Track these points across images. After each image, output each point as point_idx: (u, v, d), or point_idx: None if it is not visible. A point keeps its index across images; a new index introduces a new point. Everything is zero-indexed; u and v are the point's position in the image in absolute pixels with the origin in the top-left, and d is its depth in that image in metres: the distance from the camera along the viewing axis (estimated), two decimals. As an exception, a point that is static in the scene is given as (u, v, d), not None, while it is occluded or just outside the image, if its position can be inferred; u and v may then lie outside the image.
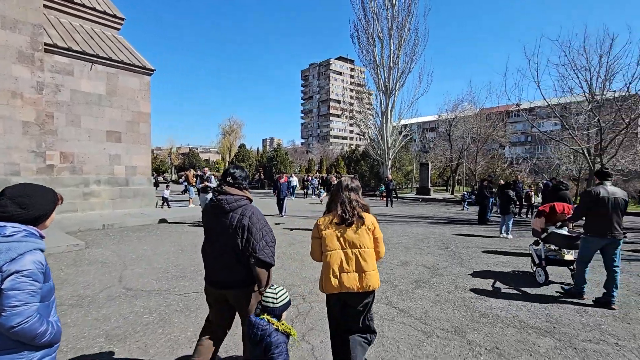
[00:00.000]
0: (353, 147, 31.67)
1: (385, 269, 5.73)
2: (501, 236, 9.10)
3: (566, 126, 17.55)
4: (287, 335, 2.00)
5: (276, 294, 2.03)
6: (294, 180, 17.71)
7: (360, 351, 2.40)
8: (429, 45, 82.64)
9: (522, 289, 4.98)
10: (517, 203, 9.20)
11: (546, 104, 17.29)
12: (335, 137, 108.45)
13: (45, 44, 10.37)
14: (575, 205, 5.11)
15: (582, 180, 20.20)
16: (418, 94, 24.65)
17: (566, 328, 3.69)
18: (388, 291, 4.76)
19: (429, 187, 24.97)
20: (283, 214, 12.87)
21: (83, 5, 12.45)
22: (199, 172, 14.00)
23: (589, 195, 4.47)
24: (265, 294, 2.05)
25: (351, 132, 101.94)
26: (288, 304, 2.08)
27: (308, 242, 2.89)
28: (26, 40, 9.90)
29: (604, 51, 16.57)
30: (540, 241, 5.53)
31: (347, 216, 2.39)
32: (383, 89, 24.07)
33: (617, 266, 4.33)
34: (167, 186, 15.05)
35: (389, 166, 24.48)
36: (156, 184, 14.96)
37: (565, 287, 4.94)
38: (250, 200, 2.43)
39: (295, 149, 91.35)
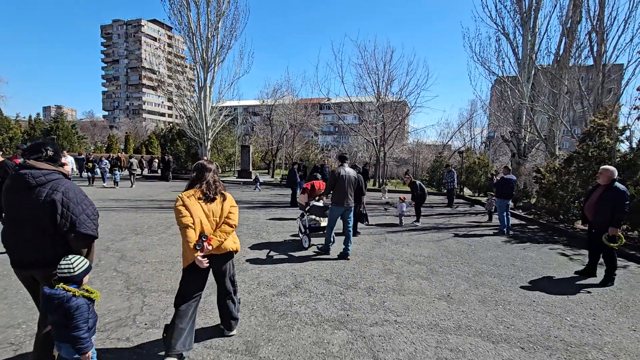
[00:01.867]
0: (171, 125, 27.62)
1: (178, 270, 4.57)
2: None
3: (362, 119, 20.83)
4: (90, 299, 2.09)
5: (72, 263, 2.07)
6: (69, 162, 13.05)
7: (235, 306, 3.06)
8: (250, 27, 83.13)
9: (290, 253, 5.95)
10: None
11: (348, 99, 19.95)
12: (150, 112, 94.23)
13: None
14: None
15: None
16: (239, 74, 23.58)
17: (357, 313, 3.67)
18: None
19: (251, 170, 24.83)
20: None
21: None
22: None
23: (332, 174, 5.66)
24: (59, 266, 2.06)
25: (170, 108, 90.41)
26: (88, 269, 2.14)
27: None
28: None
29: (386, 60, 20.43)
30: (305, 213, 6.51)
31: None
32: (200, 62, 21.71)
33: (351, 227, 5.74)
34: None
35: (209, 147, 22.64)
36: None
37: (319, 247, 6.15)
38: (64, 175, 2.29)
39: (94, 123, 73.72)
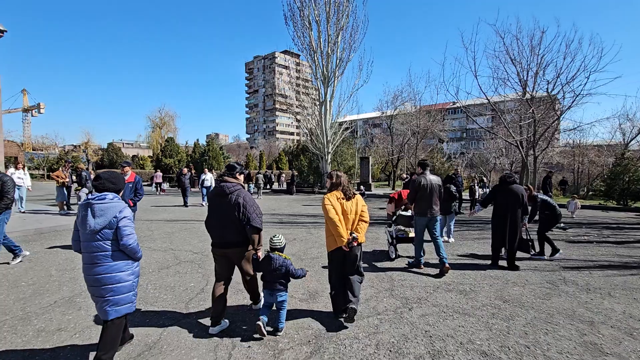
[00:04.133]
0: (297, 142, 29.58)
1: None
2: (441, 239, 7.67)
3: (502, 118, 17.25)
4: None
5: (280, 239, 3.39)
6: (208, 179, 14.37)
7: (359, 285, 3.60)
8: (369, 35, 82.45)
9: (374, 263, 5.80)
10: (459, 199, 7.77)
11: (482, 96, 16.85)
12: (282, 132, 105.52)
13: None
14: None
15: (512, 172, 20.54)
16: (358, 85, 23.25)
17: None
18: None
19: (370, 182, 23.87)
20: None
21: None
22: (82, 168, 10.79)
23: (413, 183, 5.40)
24: (272, 241, 3.36)
25: (297, 127, 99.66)
26: (285, 244, 3.46)
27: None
28: None
29: (535, 43, 16.47)
30: (392, 223, 6.27)
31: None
32: (321, 77, 22.25)
33: (439, 236, 5.31)
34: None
35: (329, 161, 22.83)
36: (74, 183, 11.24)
37: (409, 262, 5.71)
38: (243, 187, 3.41)
39: (239, 145, 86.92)
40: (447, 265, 5.05)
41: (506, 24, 25.97)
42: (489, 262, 5.83)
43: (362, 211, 3.53)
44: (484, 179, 20.72)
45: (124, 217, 2.60)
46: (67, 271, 5.18)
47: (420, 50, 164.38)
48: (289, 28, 21.98)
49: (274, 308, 3.37)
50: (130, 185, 6.23)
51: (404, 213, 6.19)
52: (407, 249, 6.68)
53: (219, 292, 3.27)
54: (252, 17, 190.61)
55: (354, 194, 3.56)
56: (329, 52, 21.75)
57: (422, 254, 5.45)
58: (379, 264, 5.72)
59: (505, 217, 5.44)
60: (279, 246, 3.34)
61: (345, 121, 26.02)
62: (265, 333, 3.12)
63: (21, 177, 11.12)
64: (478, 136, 67.71)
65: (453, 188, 7.45)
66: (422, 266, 5.42)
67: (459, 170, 14.99)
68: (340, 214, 3.41)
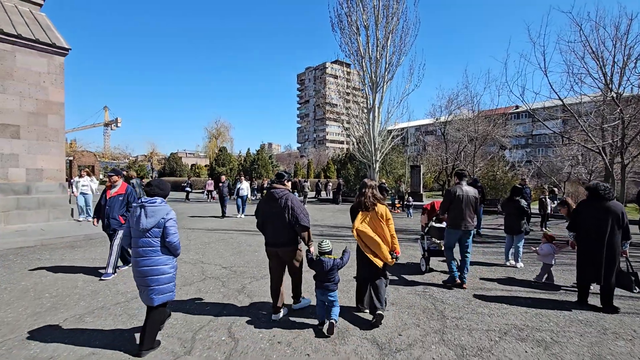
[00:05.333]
0: (346, 150, 28.99)
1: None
2: (507, 264, 6.41)
3: (579, 121, 14.87)
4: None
5: (327, 244, 3.72)
6: (244, 188, 13.76)
7: (384, 289, 3.88)
8: (421, 36, 78.36)
9: (403, 276, 5.63)
10: (529, 216, 6.43)
11: (553, 96, 14.69)
12: (332, 141, 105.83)
13: None
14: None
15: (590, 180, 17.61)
16: (409, 89, 21.96)
17: None
18: None
19: (421, 192, 22.29)
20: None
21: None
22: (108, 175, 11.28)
23: (448, 193, 5.20)
24: (321, 245, 3.71)
25: (348, 135, 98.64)
26: (332, 248, 3.75)
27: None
28: None
29: (621, 34, 14.03)
30: (424, 235, 6.06)
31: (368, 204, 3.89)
32: (369, 83, 21.44)
33: (469, 252, 5.10)
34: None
35: (377, 169, 21.77)
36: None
37: (444, 280, 5.26)
38: (290, 191, 3.87)
39: (290, 154, 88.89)
40: (464, 284, 4.98)
41: (583, 12, 22.58)
42: (574, 298, 4.57)
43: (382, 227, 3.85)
44: (555, 190, 18.09)
45: (171, 219, 3.08)
46: (92, 283, 5.03)
47: (478, 49, 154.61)
48: (336, 34, 21.55)
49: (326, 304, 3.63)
50: (121, 198, 5.42)
51: (435, 225, 5.90)
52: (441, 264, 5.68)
53: (274, 285, 3.84)
54: (301, 33, 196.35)
55: (373, 203, 3.86)
56: (378, 56, 20.89)
57: (455, 268, 5.06)
58: (409, 277, 5.60)
59: (600, 242, 4.17)
60: (327, 250, 3.69)
61: (395, 129, 24.79)
62: (329, 331, 3.46)
63: (86, 184, 11.83)
64: (547, 142, 61.58)
65: (524, 202, 6.18)
66: (458, 279, 5.01)
67: (525, 180, 13.13)
68: (366, 237, 3.79)
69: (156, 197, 3.13)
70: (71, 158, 38.00)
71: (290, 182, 3.96)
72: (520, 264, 6.35)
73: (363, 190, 3.94)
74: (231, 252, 7.22)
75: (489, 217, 13.98)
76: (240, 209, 13.70)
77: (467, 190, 5.08)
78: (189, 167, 43.42)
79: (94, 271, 5.59)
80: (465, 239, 5.05)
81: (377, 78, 21.13)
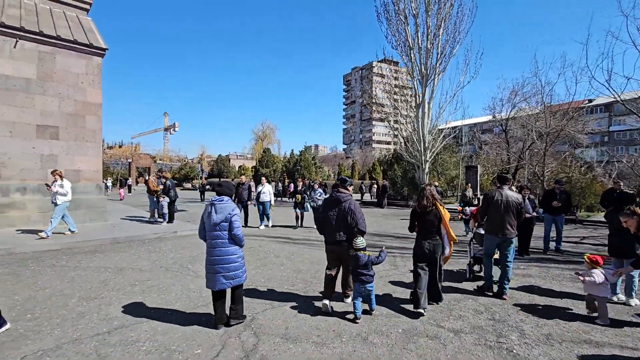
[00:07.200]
0: (393, 151, 27.30)
1: None
2: (615, 299, 4.63)
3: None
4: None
5: (362, 240, 3.96)
6: (266, 192, 10.79)
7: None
8: (478, 22, 68.38)
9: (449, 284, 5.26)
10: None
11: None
12: (379, 142, 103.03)
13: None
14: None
15: None
16: (464, 82, 19.72)
17: None
18: None
19: (478, 194, 19.84)
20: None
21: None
22: (162, 177, 10.98)
23: (485, 197, 5.10)
24: (356, 242, 3.94)
25: (395, 136, 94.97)
26: (366, 245, 4.03)
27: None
28: None
29: None
30: (471, 240, 6.01)
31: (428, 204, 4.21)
32: (418, 76, 19.62)
33: (510, 262, 4.81)
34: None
35: (427, 170, 19.82)
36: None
37: (477, 286, 5.16)
38: (351, 196, 4.31)
39: (335, 155, 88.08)
40: (505, 295, 4.71)
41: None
42: None
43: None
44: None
45: (235, 214, 3.56)
46: (91, 299, 4.33)
47: (547, 32, 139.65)
48: (382, 25, 20.00)
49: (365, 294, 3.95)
50: None
51: (479, 231, 5.70)
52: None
53: (329, 277, 4.14)
54: (348, 28, 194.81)
55: (428, 205, 4.21)
56: (428, 46, 19.01)
57: (492, 275, 4.96)
58: (456, 285, 5.45)
59: None
60: (361, 246, 3.95)
61: (447, 128, 22.55)
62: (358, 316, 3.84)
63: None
64: (628, 139, 53.77)
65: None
66: (497, 289, 4.86)
67: (620, 184, 10.61)
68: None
69: (223, 196, 3.62)
70: (130, 160, 41.12)
71: (352, 187, 4.43)
72: (635, 301, 4.55)
73: (422, 193, 4.29)
74: (254, 265, 6.27)
75: (566, 227, 11.61)
76: (263, 219, 11.03)
77: (508, 195, 4.82)
78: (236, 169, 44.50)
79: (97, 284, 4.95)
80: (505, 247, 4.83)
81: (428, 70, 19.25)
